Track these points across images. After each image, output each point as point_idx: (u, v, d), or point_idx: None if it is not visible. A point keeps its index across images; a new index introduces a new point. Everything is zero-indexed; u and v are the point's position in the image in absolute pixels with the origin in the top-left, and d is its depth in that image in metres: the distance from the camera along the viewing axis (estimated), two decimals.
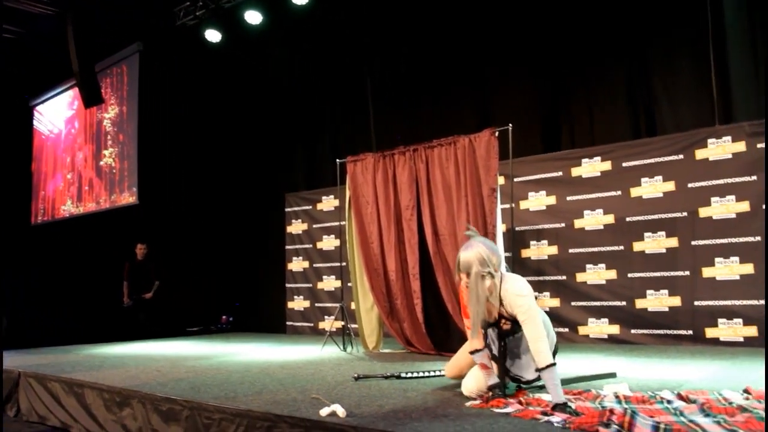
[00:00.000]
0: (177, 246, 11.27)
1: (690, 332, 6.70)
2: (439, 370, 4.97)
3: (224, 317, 11.71)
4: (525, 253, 7.74)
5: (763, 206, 6.34)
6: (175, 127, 11.30)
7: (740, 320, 6.42)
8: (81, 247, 11.96)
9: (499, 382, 3.75)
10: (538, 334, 3.50)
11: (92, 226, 11.86)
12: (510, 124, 6.21)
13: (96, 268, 11.38)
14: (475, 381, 3.86)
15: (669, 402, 3.46)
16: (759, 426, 2.82)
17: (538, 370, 3.48)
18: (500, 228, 6.31)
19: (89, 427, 4.87)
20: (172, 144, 11.27)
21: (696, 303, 6.69)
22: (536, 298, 3.79)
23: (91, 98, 8.72)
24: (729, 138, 6.60)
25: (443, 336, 6.63)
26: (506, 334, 3.77)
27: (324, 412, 3.41)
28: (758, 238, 6.37)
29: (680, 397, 3.58)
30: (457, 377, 4.27)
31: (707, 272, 6.65)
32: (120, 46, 11.38)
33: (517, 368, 3.80)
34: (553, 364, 3.41)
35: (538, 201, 7.74)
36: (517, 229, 7.22)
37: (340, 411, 3.38)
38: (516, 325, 3.67)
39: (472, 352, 3.80)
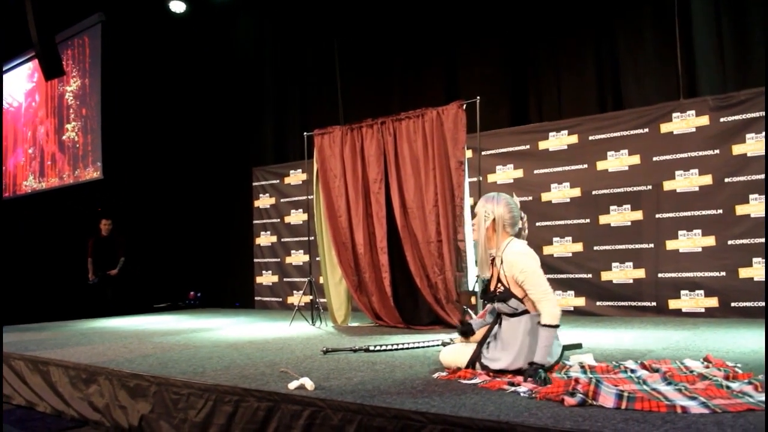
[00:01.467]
0: (143, 221, 11.14)
1: (654, 304, 6.81)
2: (409, 343, 5.01)
3: (192, 293, 11.64)
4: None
5: (726, 180, 6.46)
6: (140, 100, 11.09)
7: (702, 291, 6.55)
8: (45, 223, 11.75)
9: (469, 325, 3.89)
10: (540, 293, 3.48)
11: (56, 202, 11.66)
12: (478, 97, 6.22)
13: (60, 245, 11.20)
14: (454, 354, 3.88)
15: (633, 371, 3.52)
16: (718, 393, 2.89)
17: (539, 323, 3.43)
18: (468, 201, 6.34)
19: (55, 404, 4.83)
20: (137, 118, 11.07)
21: (660, 275, 6.80)
22: None
23: (52, 70, 8.47)
24: (693, 112, 6.67)
25: (411, 309, 6.67)
26: (496, 298, 3.66)
27: (292, 385, 3.41)
28: (720, 211, 6.48)
29: (643, 366, 3.64)
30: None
31: (671, 245, 6.76)
32: (81, 16, 11.10)
33: (490, 357, 3.66)
34: (554, 326, 3.41)
35: (505, 174, 7.78)
36: None
37: (309, 384, 3.39)
38: (507, 293, 3.58)
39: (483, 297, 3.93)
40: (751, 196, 6.31)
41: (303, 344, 5.56)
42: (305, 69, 10.07)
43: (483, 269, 3.79)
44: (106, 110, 10.84)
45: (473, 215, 3.95)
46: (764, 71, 5.87)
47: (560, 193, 7.41)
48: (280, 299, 10.02)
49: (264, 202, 10.30)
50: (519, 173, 7.69)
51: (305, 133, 7.63)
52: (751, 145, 6.32)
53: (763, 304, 6.13)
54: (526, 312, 3.58)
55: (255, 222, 10.43)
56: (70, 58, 11.59)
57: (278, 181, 10.11)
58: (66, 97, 11.76)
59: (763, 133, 6.23)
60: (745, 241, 6.33)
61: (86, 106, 11.25)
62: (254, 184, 10.44)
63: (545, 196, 7.48)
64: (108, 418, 4.31)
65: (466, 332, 3.92)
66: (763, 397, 2.78)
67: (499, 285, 3.66)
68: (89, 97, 11.18)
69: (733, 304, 6.35)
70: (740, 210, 6.37)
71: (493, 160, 7.81)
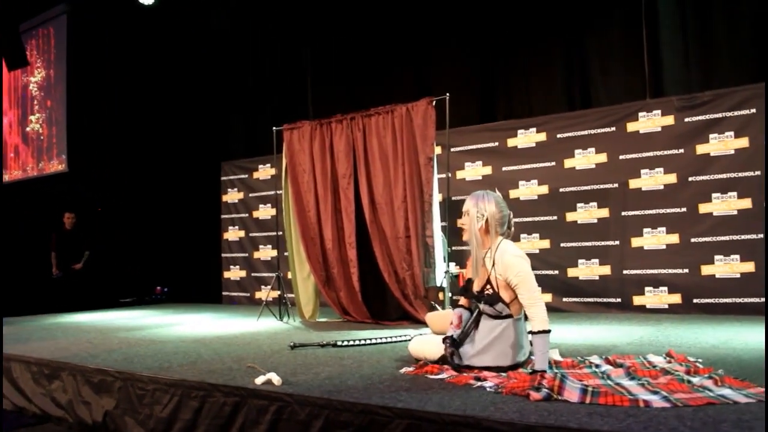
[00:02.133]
0: (109, 215, 10.98)
1: (618, 300, 6.91)
2: (377, 339, 5.02)
3: (158, 288, 11.50)
4: (461, 222, 7.80)
5: (690, 178, 6.57)
6: (106, 92, 10.92)
7: (665, 288, 6.65)
8: (7, 217, 11.53)
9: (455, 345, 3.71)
10: (532, 298, 3.42)
11: (19, 195, 11.45)
12: (447, 94, 6.24)
13: (24, 238, 11.00)
14: (424, 346, 3.89)
15: (597, 366, 3.57)
16: (679, 387, 2.94)
17: (530, 333, 3.38)
18: (437, 197, 6.37)
19: (16, 401, 4.74)
20: (103, 110, 10.89)
21: (625, 272, 6.89)
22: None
23: (15, 61, 8.34)
24: (659, 112, 6.77)
25: (379, 305, 6.67)
26: (483, 299, 3.62)
27: (259, 380, 3.40)
28: (684, 210, 6.59)
29: (608, 361, 3.70)
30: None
31: (636, 242, 6.85)
32: (46, 6, 10.91)
33: (464, 352, 3.66)
34: (547, 331, 3.34)
35: (474, 171, 7.82)
36: (453, 198, 7.26)
37: (276, 379, 3.38)
38: (495, 296, 3.55)
39: (456, 306, 3.88)
40: (714, 195, 6.42)
41: (270, 339, 5.53)
42: (276, 63, 10.01)
43: (477, 271, 3.69)
44: (72, 102, 10.66)
45: (460, 214, 3.84)
46: (764, 68, 5.96)
47: (528, 190, 7.48)
48: (248, 294, 9.96)
49: (232, 196, 10.22)
50: (487, 170, 7.73)
51: (274, 128, 7.59)
52: (714, 145, 6.44)
53: (725, 300, 6.28)
54: (509, 316, 3.57)
55: (223, 216, 10.35)
56: (34, 49, 11.39)
57: (247, 175, 10.04)
58: (30, 88, 11.56)
59: (726, 134, 6.37)
60: (707, 239, 6.45)
61: (51, 98, 11.06)
62: (223, 178, 10.35)
63: (513, 193, 7.53)
64: (71, 414, 4.25)
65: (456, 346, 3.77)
66: (722, 391, 2.84)
67: (488, 287, 3.63)
68: (54, 89, 10.99)
69: (695, 301, 6.47)
70: (703, 208, 6.48)
71: (462, 157, 7.85)
